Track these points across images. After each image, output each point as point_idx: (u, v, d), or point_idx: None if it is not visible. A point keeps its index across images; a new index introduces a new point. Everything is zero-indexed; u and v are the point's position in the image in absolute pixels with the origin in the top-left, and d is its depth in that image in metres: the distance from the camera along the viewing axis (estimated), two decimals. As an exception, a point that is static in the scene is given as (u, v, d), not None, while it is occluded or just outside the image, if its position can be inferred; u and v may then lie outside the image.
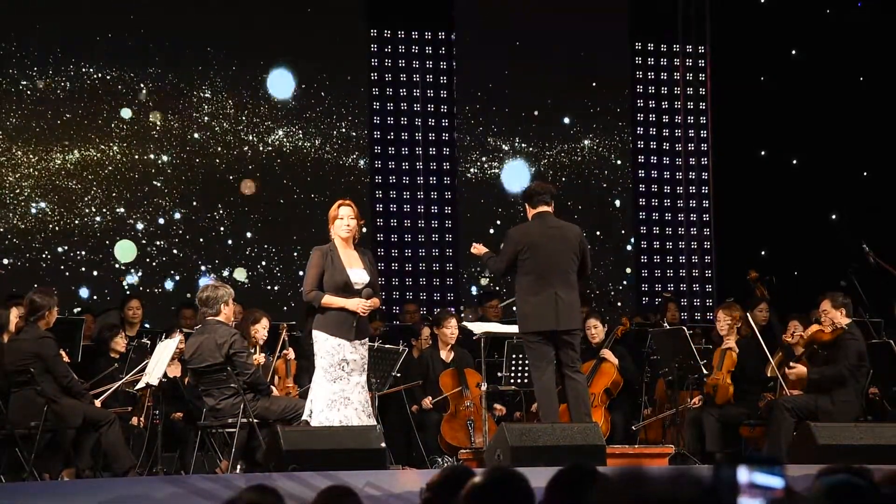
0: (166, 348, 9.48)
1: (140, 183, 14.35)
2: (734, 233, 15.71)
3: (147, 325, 12.30)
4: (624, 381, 11.23)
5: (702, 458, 10.07)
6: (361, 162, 15.14)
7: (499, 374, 10.76)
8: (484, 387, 10.03)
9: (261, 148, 14.74)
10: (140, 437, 10.09)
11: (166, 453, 10.24)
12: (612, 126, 15.97)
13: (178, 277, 14.38)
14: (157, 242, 14.34)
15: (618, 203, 15.96)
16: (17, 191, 14.02)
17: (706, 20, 16.15)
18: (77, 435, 9.34)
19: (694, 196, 16.19)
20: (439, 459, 10.72)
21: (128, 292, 13.47)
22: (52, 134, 14.11)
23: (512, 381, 10.76)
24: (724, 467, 2.57)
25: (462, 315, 13.37)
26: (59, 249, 14.09)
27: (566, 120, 15.80)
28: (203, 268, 14.45)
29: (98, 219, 14.20)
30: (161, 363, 9.34)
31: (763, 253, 15.50)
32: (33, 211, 14.06)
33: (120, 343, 10.76)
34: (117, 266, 14.22)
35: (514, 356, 10.66)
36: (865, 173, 15.69)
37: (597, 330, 11.38)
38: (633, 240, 15.99)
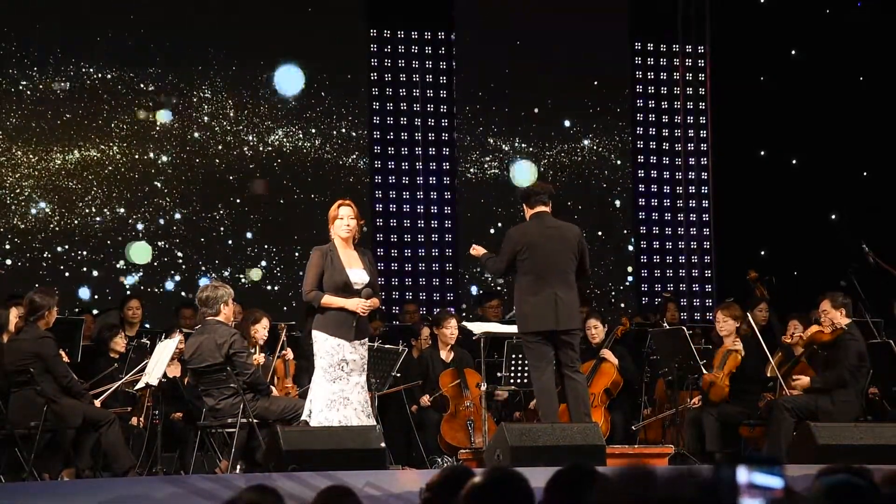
0: (166, 348, 9.48)
1: (140, 183, 14.35)
2: (734, 233, 15.70)
3: (147, 325, 12.30)
4: (624, 381, 11.22)
5: (702, 458, 10.06)
6: (361, 162, 15.14)
7: (498, 374, 10.75)
8: (484, 387, 10.03)
9: (261, 148, 14.74)
10: (140, 437, 10.08)
11: (166, 453, 10.23)
12: (612, 126, 15.97)
13: (178, 277, 14.38)
14: (158, 242, 14.34)
15: (618, 203, 15.96)
16: (18, 191, 14.02)
17: (706, 20, 16.15)
18: (77, 435, 9.34)
19: (694, 196, 16.19)
20: (439, 459, 10.72)
21: (128, 292, 13.47)
22: (52, 134, 14.11)
23: (512, 381, 10.75)
24: (724, 467, 2.57)
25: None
26: (60, 249, 14.09)
27: (566, 120, 15.80)
28: (203, 267, 14.45)
29: (98, 219, 14.20)
30: (161, 363, 9.34)
31: (763, 253, 15.50)
32: (33, 211, 14.06)
33: (120, 343, 10.76)
34: (118, 266, 14.22)
35: (513, 356, 10.66)
36: (865, 173, 15.69)
37: (597, 330, 11.37)
38: (633, 240, 15.99)
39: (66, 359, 9.65)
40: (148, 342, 10.68)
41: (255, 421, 9.03)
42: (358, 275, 8.72)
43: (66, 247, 14.11)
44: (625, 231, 16.00)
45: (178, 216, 14.44)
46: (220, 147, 14.61)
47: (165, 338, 10.03)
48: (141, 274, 14.27)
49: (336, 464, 7.77)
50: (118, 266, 14.22)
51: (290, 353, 10.69)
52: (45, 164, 14.07)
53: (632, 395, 11.58)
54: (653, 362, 11.45)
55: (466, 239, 13.30)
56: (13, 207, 13.99)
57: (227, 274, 14.35)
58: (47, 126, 14.10)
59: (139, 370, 9.69)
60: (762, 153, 15.92)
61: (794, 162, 15.91)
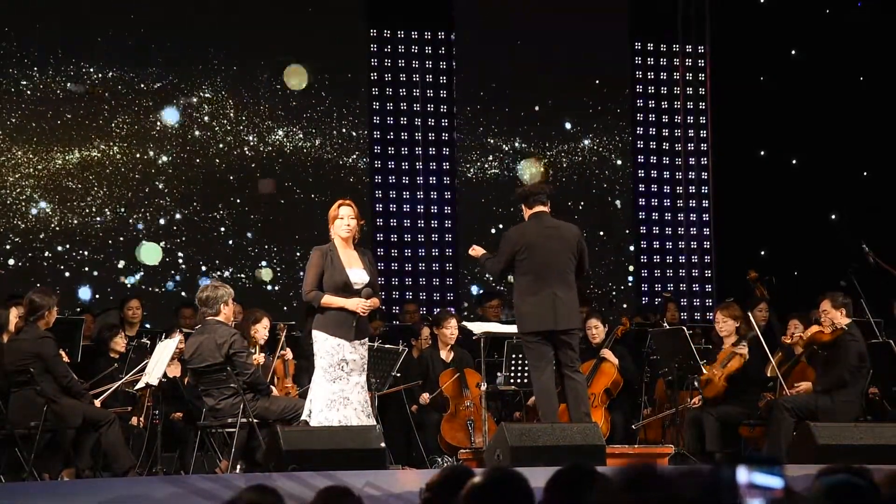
0: (166, 348, 9.48)
1: (141, 183, 14.35)
2: (734, 233, 15.70)
3: (147, 325, 12.30)
4: (624, 381, 11.22)
5: (702, 458, 10.06)
6: (361, 162, 15.14)
7: (497, 374, 10.74)
8: (484, 387, 10.03)
9: (261, 148, 14.74)
10: (140, 437, 10.08)
11: (166, 453, 10.23)
12: (612, 126, 15.97)
13: (178, 277, 14.38)
14: (158, 243, 14.34)
15: (618, 203, 15.96)
16: (18, 191, 14.02)
17: (706, 20, 16.15)
18: (77, 435, 9.34)
19: (694, 196, 16.19)
20: (439, 459, 10.72)
21: (128, 292, 13.47)
22: (52, 134, 14.11)
23: (512, 381, 10.75)
24: (725, 467, 2.57)
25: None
26: (60, 249, 14.09)
27: (566, 121, 15.80)
28: (203, 267, 14.45)
29: (99, 219, 14.20)
30: (161, 363, 9.34)
31: (763, 253, 15.50)
32: (34, 211, 14.06)
33: (120, 343, 10.76)
34: (119, 266, 14.22)
35: (513, 356, 10.66)
36: (865, 173, 15.69)
37: (597, 330, 11.38)
38: (633, 240, 15.99)
39: (66, 359, 9.64)
40: (148, 342, 10.68)
41: (255, 421, 9.03)
42: (358, 275, 8.72)
43: (67, 247, 14.10)
44: (625, 231, 16.00)
45: (178, 216, 14.45)
46: (220, 147, 14.61)
47: (165, 338, 10.04)
48: (141, 274, 14.27)
49: (336, 464, 7.77)
50: (118, 266, 14.22)
51: (289, 353, 10.68)
52: (45, 164, 14.07)
53: (632, 395, 11.58)
54: (653, 362, 11.45)
55: (466, 239, 13.30)
56: (13, 207, 13.99)
57: (227, 274, 14.35)
58: (48, 126, 14.10)
59: (139, 370, 9.69)
60: (762, 153, 15.92)
61: (794, 162, 15.91)
